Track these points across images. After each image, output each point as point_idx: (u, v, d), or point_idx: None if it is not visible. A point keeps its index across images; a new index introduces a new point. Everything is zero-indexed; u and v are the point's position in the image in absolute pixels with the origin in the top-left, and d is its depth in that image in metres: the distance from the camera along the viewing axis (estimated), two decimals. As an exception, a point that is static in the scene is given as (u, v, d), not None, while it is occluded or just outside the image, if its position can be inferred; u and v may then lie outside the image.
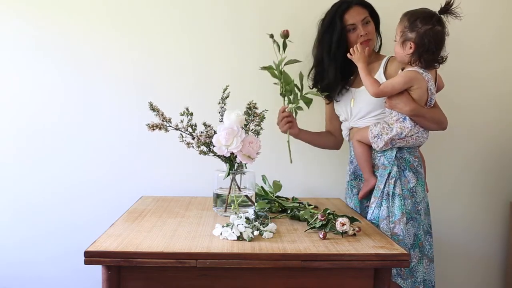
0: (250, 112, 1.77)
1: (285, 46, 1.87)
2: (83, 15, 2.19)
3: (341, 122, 2.08)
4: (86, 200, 2.23)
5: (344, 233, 1.51)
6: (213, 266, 1.33)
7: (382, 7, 2.01)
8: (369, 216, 1.83)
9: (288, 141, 1.93)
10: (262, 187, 1.94)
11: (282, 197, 1.97)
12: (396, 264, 1.41)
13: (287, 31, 1.87)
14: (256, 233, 1.48)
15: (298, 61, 1.88)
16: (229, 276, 1.38)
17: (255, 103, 1.78)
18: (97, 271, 1.36)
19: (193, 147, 1.72)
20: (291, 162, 1.91)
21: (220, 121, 1.73)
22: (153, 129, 1.71)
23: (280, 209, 1.86)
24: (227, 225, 1.52)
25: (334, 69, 1.94)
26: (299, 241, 1.47)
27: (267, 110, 1.79)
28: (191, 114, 1.73)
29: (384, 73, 1.89)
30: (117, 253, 1.32)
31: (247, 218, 1.56)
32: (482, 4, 2.27)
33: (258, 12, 2.23)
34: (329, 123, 2.15)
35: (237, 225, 1.50)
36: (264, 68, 1.88)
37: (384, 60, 1.92)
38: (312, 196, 2.21)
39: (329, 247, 1.41)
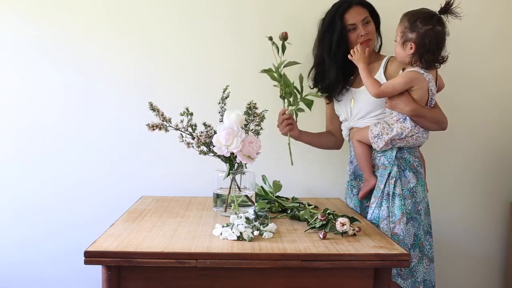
0: (250, 112, 1.77)
1: (284, 48, 1.87)
2: (83, 15, 2.19)
3: (341, 122, 2.07)
4: (86, 200, 2.23)
5: (344, 233, 1.51)
6: (213, 266, 1.33)
7: (382, 7, 2.01)
8: (369, 216, 1.83)
9: (289, 144, 1.93)
10: (262, 187, 1.94)
11: (282, 197, 1.97)
12: (396, 264, 1.41)
13: (285, 33, 1.87)
14: (256, 233, 1.48)
15: (297, 63, 1.88)
16: (229, 276, 1.38)
17: (255, 103, 1.78)
18: (97, 271, 1.36)
19: (193, 147, 1.73)
20: (292, 164, 1.91)
21: (220, 121, 1.73)
22: (153, 129, 1.71)
23: (280, 209, 1.86)
24: (227, 225, 1.52)
25: (335, 69, 1.94)
26: (299, 241, 1.47)
27: (267, 110, 1.79)
28: (191, 114, 1.73)
29: (384, 73, 1.88)
30: (117, 253, 1.32)
31: (247, 218, 1.56)
32: (482, 4, 2.27)
33: (258, 12, 2.23)
34: (330, 123, 2.15)
35: (237, 225, 1.50)
36: (264, 71, 1.88)
37: (384, 60, 1.92)
38: (312, 196, 2.21)
39: (329, 247, 1.41)
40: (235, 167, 1.75)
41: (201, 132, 1.71)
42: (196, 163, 2.07)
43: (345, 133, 2.05)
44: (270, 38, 1.87)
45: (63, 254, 2.22)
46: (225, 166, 1.77)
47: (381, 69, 1.90)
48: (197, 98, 2.16)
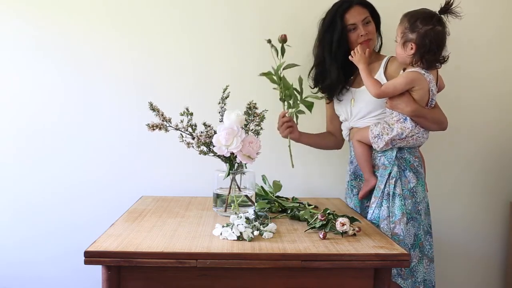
0: (250, 112, 1.77)
1: (283, 51, 1.86)
2: (83, 15, 2.19)
3: (341, 122, 2.07)
4: (86, 200, 2.23)
5: (344, 233, 1.51)
6: (213, 266, 1.33)
7: (382, 7, 2.00)
8: (369, 216, 1.83)
9: (289, 146, 1.93)
10: (262, 187, 1.94)
11: (282, 197, 1.97)
12: (396, 264, 1.41)
13: (285, 35, 1.87)
14: (256, 233, 1.48)
15: (296, 65, 1.88)
16: (229, 276, 1.38)
17: (255, 103, 1.78)
18: (97, 271, 1.36)
19: (193, 147, 1.73)
20: (292, 167, 1.91)
21: (220, 121, 1.73)
22: (153, 129, 1.71)
23: (280, 209, 1.86)
24: (227, 225, 1.52)
25: (335, 69, 1.94)
26: (299, 241, 1.47)
27: (267, 110, 1.79)
28: (191, 114, 1.73)
29: (384, 73, 1.88)
30: (117, 253, 1.32)
31: (247, 218, 1.56)
32: (482, 4, 2.27)
33: (258, 12, 2.23)
34: (330, 123, 2.15)
35: (237, 225, 1.50)
36: (263, 74, 1.88)
37: (385, 60, 1.92)
38: (312, 196, 2.21)
39: (329, 247, 1.41)
40: (235, 167, 1.75)
41: (201, 132, 1.71)
42: (196, 163, 2.07)
43: (345, 133, 2.05)
44: (269, 41, 1.86)
45: (63, 254, 2.22)
46: (225, 166, 1.77)
47: (381, 69, 1.90)
48: (197, 98, 2.16)
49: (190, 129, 1.72)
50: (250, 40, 2.22)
